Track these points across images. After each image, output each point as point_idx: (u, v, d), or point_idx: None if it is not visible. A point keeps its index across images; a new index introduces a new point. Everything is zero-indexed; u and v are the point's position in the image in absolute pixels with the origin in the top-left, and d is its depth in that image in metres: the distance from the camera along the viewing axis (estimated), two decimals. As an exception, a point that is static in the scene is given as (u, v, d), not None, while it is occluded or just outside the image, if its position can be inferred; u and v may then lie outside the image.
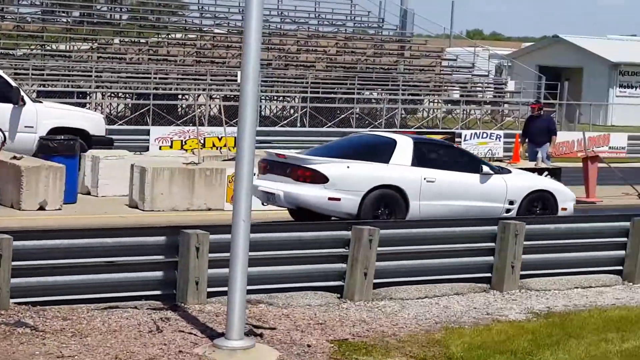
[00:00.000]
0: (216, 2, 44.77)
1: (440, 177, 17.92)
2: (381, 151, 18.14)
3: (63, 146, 18.14)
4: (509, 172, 19.35)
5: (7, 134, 19.41)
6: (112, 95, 38.84)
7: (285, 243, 12.14)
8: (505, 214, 17.83)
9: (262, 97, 37.15)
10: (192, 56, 40.85)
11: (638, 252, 14.25)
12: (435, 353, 9.95)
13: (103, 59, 37.82)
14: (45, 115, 21.63)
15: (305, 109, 37.35)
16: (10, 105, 20.58)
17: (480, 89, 46.21)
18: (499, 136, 33.19)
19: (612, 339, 10.64)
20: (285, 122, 36.90)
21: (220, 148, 24.29)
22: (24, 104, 20.81)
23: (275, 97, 38.87)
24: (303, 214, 17.87)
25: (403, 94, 40.67)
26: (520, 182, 19.03)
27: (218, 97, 36.10)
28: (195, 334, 9.99)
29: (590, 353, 9.96)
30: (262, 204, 18.34)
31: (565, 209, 18.76)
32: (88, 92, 35.68)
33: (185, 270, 10.96)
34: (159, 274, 11.19)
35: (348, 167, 17.60)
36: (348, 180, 17.30)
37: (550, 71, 50.95)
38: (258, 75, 9.77)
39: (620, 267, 14.32)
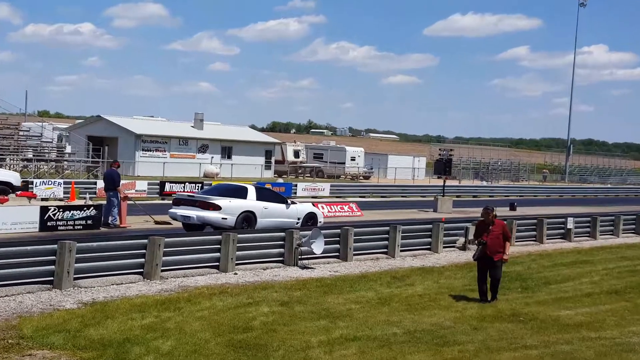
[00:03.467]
0: None
1: (270, 206, 18.45)
2: (241, 193, 18.47)
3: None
4: (295, 203, 19.99)
5: None
6: None
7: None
8: (296, 224, 18.45)
9: None
10: None
11: (153, 258, 12.31)
12: (12, 334, 8.54)
13: None
14: None
15: None
16: None
17: (47, 151, 40.54)
18: (59, 182, 28.63)
19: (139, 318, 9.51)
20: None
21: None
22: None
23: None
24: (192, 227, 17.75)
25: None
26: (302, 208, 19.80)
27: None
28: None
29: (120, 328, 8.93)
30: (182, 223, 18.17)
31: (321, 221, 19.77)
32: None
33: None
34: None
35: (230, 201, 17.72)
36: (230, 208, 17.54)
37: (96, 139, 44.95)
38: None
39: (142, 269, 12.42)
